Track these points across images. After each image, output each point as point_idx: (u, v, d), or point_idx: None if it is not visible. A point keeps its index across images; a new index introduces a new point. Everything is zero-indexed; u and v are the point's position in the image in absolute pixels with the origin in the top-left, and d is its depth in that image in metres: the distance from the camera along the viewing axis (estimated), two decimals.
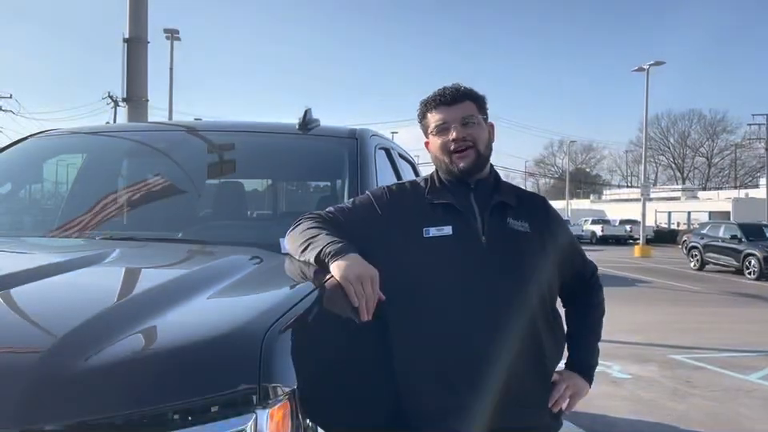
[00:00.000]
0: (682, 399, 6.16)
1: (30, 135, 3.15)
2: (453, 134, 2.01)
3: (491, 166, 2.14)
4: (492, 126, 2.14)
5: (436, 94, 2.08)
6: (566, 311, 2.22)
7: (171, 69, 25.80)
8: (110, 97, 37.89)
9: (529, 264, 1.98)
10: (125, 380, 1.16)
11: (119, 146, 3.03)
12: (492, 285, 1.92)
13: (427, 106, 2.08)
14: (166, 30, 24.91)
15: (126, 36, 7.96)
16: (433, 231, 1.96)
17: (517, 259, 1.97)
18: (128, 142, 3.06)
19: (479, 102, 2.09)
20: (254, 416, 1.18)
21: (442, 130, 2.04)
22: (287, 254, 1.98)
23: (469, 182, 2.05)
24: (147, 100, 8.11)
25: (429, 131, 2.09)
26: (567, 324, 2.17)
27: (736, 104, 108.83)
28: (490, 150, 2.10)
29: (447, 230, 1.96)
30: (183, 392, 1.17)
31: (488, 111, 2.12)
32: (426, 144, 2.13)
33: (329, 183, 3.10)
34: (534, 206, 2.13)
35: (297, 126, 2.82)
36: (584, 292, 2.22)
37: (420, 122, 2.13)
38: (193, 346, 1.24)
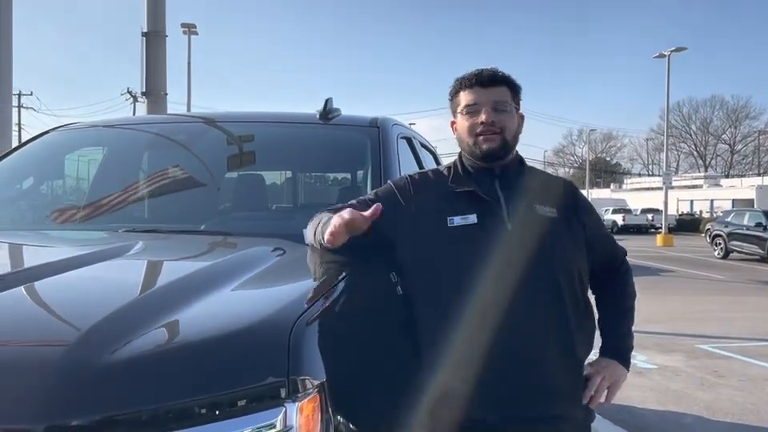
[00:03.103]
0: (709, 389, 6.06)
1: (52, 129, 3.15)
2: (482, 117, 1.96)
3: (516, 152, 2.10)
4: (522, 116, 2.09)
5: (473, 73, 2.02)
6: (596, 298, 2.16)
7: (189, 63, 25.87)
8: (129, 92, 38.27)
9: (557, 250, 1.94)
10: (151, 374, 1.15)
11: (140, 138, 3.02)
12: (519, 272, 1.87)
13: (462, 83, 2.03)
14: (183, 25, 24.96)
15: (145, 30, 7.98)
16: (457, 220, 1.92)
17: (544, 245, 1.92)
18: (149, 134, 3.05)
19: (514, 89, 2.04)
20: (284, 410, 1.16)
21: (472, 111, 1.99)
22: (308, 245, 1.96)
23: (494, 167, 2.00)
24: (166, 93, 8.13)
25: (458, 110, 2.04)
26: (599, 310, 2.12)
27: (759, 89, 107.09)
28: (517, 140, 2.05)
29: (472, 218, 1.92)
30: (210, 386, 1.14)
31: (521, 102, 2.08)
32: (452, 124, 2.09)
33: (351, 173, 3.07)
34: (561, 191, 2.08)
35: (317, 116, 2.78)
36: (615, 277, 2.16)
37: (450, 99, 2.08)
38: (219, 338, 1.21)
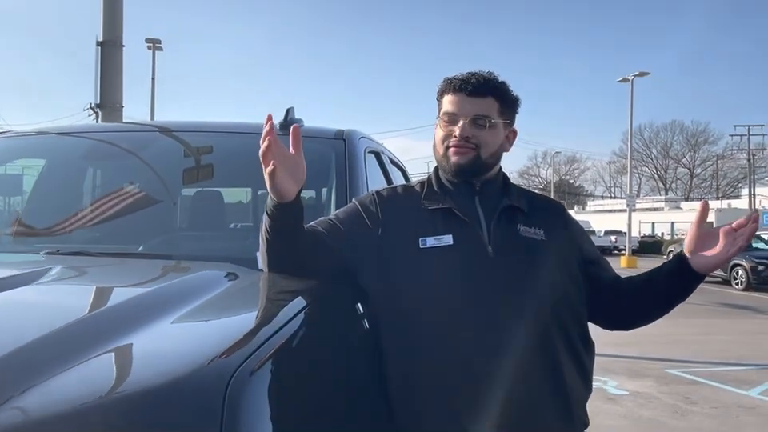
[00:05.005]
0: (682, 417, 5.91)
1: None
2: (457, 131, 1.75)
3: (500, 168, 1.88)
4: (514, 133, 1.87)
5: (462, 77, 1.79)
6: (616, 312, 1.92)
7: (153, 78, 25.35)
8: (92, 108, 37.46)
9: (544, 277, 1.71)
10: None
11: (79, 149, 2.71)
12: (499, 301, 1.65)
13: (448, 86, 1.81)
14: (147, 40, 24.53)
15: (100, 39, 7.62)
16: (431, 241, 1.70)
17: (529, 272, 1.70)
18: (92, 143, 2.74)
19: (505, 101, 1.81)
20: None
21: (449, 120, 1.78)
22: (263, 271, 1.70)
23: (474, 183, 1.78)
24: (122, 106, 7.74)
25: (438, 115, 1.83)
26: (628, 298, 1.88)
27: (717, 115, 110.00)
28: (497, 158, 1.83)
29: (447, 239, 1.70)
30: None
31: (515, 115, 1.86)
32: (436, 127, 1.87)
33: (313, 189, 2.80)
34: (549, 211, 1.87)
35: (277, 127, 2.52)
36: (623, 280, 1.91)
37: (437, 99, 1.87)
38: (129, 397, 0.94)
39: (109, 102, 7.55)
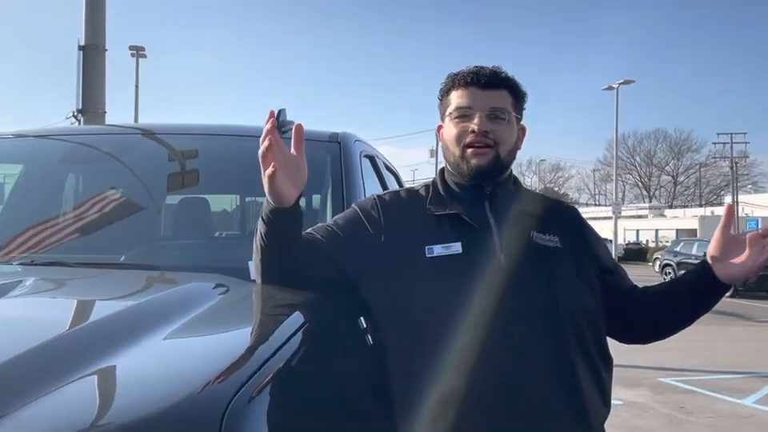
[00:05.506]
0: (678, 427, 5.82)
1: None
2: (474, 125, 1.61)
3: (510, 170, 1.76)
4: (523, 130, 1.75)
5: (470, 70, 1.68)
6: (633, 324, 1.82)
7: (137, 86, 25.03)
8: (74, 115, 37.07)
9: (560, 287, 1.60)
10: None
11: (58, 152, 2.56)
12: (512, 313, 1.53)
13: (455, 81, 1.68)
14: (131, 47, 24.28)
15: (82, 43, 7.44)
16: (438, 250, 1.58)
17: (544, 281, 1.59)
18: (70, 147, 2.60)
19: (518, 96, 1.70)
20: None
21: (463, 115, 1.64)
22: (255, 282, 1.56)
23: (484, 186, 1.66)
24: (105, 112, 7.56)
25: (447, 112, 1.69)
26: (647, 308, 1.78)
27: (700, 123, 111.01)
28: (513, 157, 1.72)
29: (456, 247, 1.58)
30: None
31: (524, 111, 1.74)
32: (439, 129, 1.74)
33: (307, 195, 2.67)
34: (564, 217, 1.76)
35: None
36: (640, 293, 1.79)
37: (440, 99, 1.74)
38: (112, 430, 0.80)
39: (91, 107, 7.35)
